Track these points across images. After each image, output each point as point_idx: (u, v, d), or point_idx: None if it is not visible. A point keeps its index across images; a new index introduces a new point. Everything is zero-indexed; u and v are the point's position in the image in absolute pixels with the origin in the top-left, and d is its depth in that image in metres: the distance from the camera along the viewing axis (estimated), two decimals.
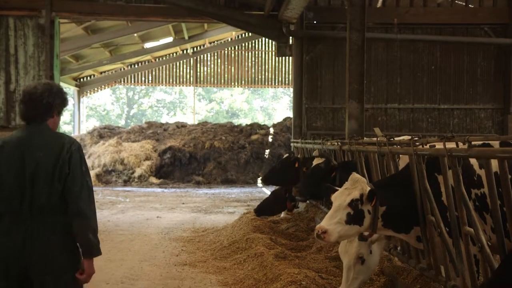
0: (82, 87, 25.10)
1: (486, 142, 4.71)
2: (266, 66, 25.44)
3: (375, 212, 4.60)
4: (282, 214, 10.72)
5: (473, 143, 3.96)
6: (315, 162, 7.46)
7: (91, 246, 3.43)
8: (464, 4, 14.47)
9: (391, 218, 4.72)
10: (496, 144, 4.67)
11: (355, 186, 4.64)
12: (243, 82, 25.89)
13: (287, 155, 10.40)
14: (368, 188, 4.62)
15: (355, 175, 4.77)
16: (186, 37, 21.84)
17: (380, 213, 4.66)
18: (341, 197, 4.63)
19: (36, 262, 3.34)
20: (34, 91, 3.51)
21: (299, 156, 10.71)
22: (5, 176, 3.38)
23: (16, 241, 3.32)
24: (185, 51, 25.02)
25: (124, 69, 25.44)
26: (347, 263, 5.16)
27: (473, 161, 4.66)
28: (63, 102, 3.68)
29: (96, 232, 3.47)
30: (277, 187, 10.71)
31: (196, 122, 26.05)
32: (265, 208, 9.99)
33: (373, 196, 4.54)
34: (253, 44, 25.45)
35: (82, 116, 26.10)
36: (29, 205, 3.35)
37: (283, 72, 25.39)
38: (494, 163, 3.88)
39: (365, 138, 8.15)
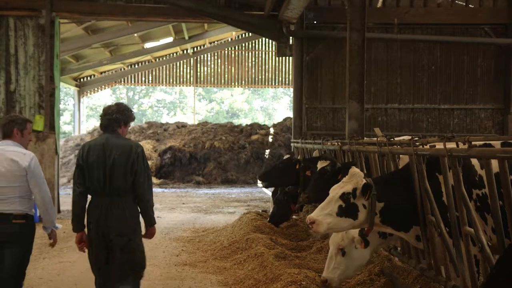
0: (82, 87, 25.09)
1: (487, 142, 4.71)
2: (266, 66, 25.43)
3: (371, 207, 4.61)
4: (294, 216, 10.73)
5: (473, 143, 3.96)
6: (320, 165, 7.20)
7: (151, 219, 5.11)
8: (464, 4, 14.46)
9: (389, 215, 4.73)
10: (497, 144, 4.68)
11: (350, 180, 4.68)
12: (243, 82, 25.89)
13: (288, 155, 10.37)
14: (364, 182, 4.62)
15: (354, 169, 4.82)
16: (186, 37, 21.83)
17: (378, 209, 4.68)
18: (336, 189, 4.70)
19: (113, 224, 4.89)
20: (107, 109, 5.07)
21: (299, 157, 10.67)
22: (94, 169, 4.90)
23: (101, 211, 4.90)
24: (185, 51, 25.02)
25: (124, 69, 25.43)
26: (330, 252, 5.32)
27: (474, 161, 4.66)
28: (129, 117, 5.14)
29: (153, 208, 5.10)
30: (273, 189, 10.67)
31: (196, 122, 26.05)
32: (276, 220, 9.84)
33: (366, 190, 4.56)
34: (253, 44, 25.45)
35: (82, 116, 26.10)
36: (108, 188, 4.90)
37: (283, 72, 25.38)
38: (495, 164, 3.88)
39: (365, 138, 8.15)
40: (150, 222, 5.11)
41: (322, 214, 4.57)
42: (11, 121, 5.13)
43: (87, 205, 4.99)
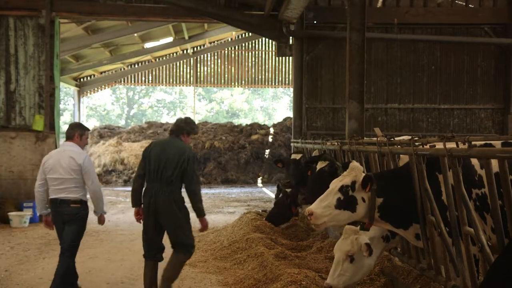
0: (82, 87, 25.08)
1: (488, 142, 4.71)
2: (266, 66, 25.42)
3: (371, 201, 4.63)
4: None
5: (473, 143, 3.96)
6: (319, 166, 7.20)
7: (200, 211, 6.15)
8: (464, 4, 14.47)
9: (388, 211, 4.75)
10: (498, 144, 4.68)
11: (350, 173, 4.71)
12: (243, 82, 25.88)
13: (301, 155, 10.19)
14: (364, 175, 4.66)
15: (354, 163, 4.85)
16: (186, 37, 21.83)
17: (377, 205, 4.69)
18: (335, 182, 4.73)
19: (160, 208, 6.00)
20: (179, 120, 6.38)
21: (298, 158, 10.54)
22: (152, 161, 6.05)
23: (152, 195, 6.00)
24: (185, 51, 25.01)
25: (124, 69, 25.42)
26: (337, 258, 5.20)
27: (474, 161, 4.66)
28: (192, 129, 6.35)
29: (201, 201, 6.16)
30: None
31: (196, 122, 26.02)
32: (274, 220, 9.84)
33: (367, 182, 4.58)
34: (253, 44, 25.43)
35: (82, 116, 26.07)
36: (160, 178, 5.99)
37: (283, 72, 25.37)
38: (495, 163, 3.88)
39: (365, 138, 8.16)
40: (200, 213, 6.14)
41: (321, 206, 4.59)
42: (74, 127, 6.55)
43: (144, 188, 6.21)
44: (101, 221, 6.66)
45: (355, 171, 4.73)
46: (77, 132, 6.48)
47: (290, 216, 9.94)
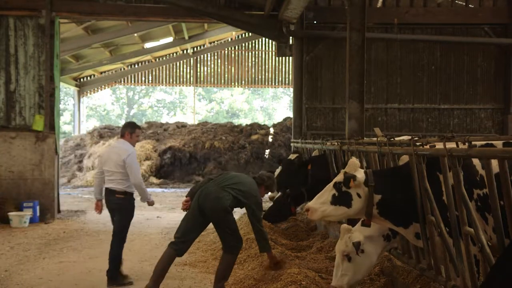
0: (82, 87, 25.09)
1: (489, 142, 4.71)
2: (266, 66, 25.43)
3: (368, 197, 4.70)
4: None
5: (473, 143, 3.96)
6: (290, 157, 8.46)
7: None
8: (464, 4, 14.46)
9: (386, 208, 4.79)
10: (499, 144, 4.68)
11: (345, 170, 4.85)
12: (243, 82, 25.88)
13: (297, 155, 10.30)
14: (360, 172, 4.77)
15: (352, 160, 4.94)
16: (186, 37, 21.83)
17: (376, 201, 4.75)
18: (334, 179, 4.89)
19: (207, 203, 6.26)
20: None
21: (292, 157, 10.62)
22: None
23: (201, 193, 6.35)
24: (185, 51, 25.02)
25: (124, 69, 25.43)
26: (337, 259, 5.30)
27: (476, 161, 4.66)
28: None
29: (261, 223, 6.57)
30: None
31: (196, 122, 26.04)
32: (271, 219, 9.86)
33: (348, 180, 4.70)
34: (253, 44, 25.44)
35: (82, 116, 26.10)
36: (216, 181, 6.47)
37: (283, 72, 25.38)
38: (496, 163, 3.87)
39: (365, 138, 8.16)
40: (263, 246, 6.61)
41: (318, 202, 4.78)
42: (125, 126, 7.34)
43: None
44: (150, 204, 7.39)
45: (350, 168, 4.83)
46: (128, 130, 7.27)
47: (289, 215, 9.95)
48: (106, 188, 7.14)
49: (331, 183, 4.86)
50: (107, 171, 7.09)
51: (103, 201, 7.26)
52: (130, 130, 7.29)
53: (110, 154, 7.16)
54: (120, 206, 7.08)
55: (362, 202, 4.74)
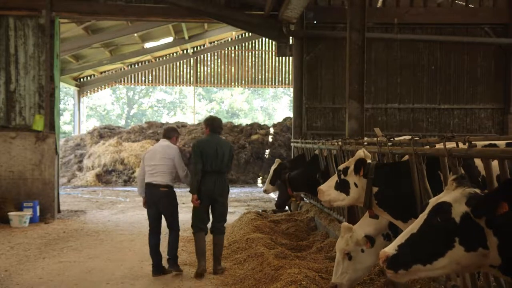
0: (82, 87, 25.09)
1: (492, 142, 4.71)
2: (266, 66, 25.43)
3: (366, 188, 4.86)
4: (292, 207, 11.84)
5: (473, 143, 3.96)
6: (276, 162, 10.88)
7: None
8: (464, 4, 14.47)
9: (384, 200, 4.87)
10: (502, 145, 4.68)
11: (350, 160, 5.16)
12: (243, 82, 25.89)
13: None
14: (357, 160, 4.99)
15: (359, 152, 5.13)
16: (186, 37, 21.83)
17: (373, 192, 4.87)
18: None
19: (217, 191, 7.49)
20: (218, 120, 7.90)
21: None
22: (209, 155, 7.46)
23: (211, 183, 7.47)
24: (185, 51, 25.02)
25: (124, 69, 25.43)
26: (337, 257, 5.37)
27: (477, 162, 4.66)
28: (221, 129, 7.90)
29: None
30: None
31: (196, 122, 26.04)
32: (281, 205, 10.88)
33: (359, 166, 4.92)
34: (253, 44, 25.44)
35: (82, 116, 26.09)
36: (215, 168, 7.48)
37: (283, 72, 25.38)
38: (496, 164, 3.87)
39: (365, 138, 8.16)
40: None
41: (327, 185, 5.17)
42: (172, 131, 8.11)
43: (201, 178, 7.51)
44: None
45: (354, 158, 5.08)
46: (175, 135, 8.11)
47: (288, 196, 10.09)
48: (149, 183, 7.61)
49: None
50: (150, 165, 7.63)
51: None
52: (176, 134, 8.13)
53: (157, 150, 7.81)
54: (165, 198, 7.63)
55: (359, 191, 4.93)
